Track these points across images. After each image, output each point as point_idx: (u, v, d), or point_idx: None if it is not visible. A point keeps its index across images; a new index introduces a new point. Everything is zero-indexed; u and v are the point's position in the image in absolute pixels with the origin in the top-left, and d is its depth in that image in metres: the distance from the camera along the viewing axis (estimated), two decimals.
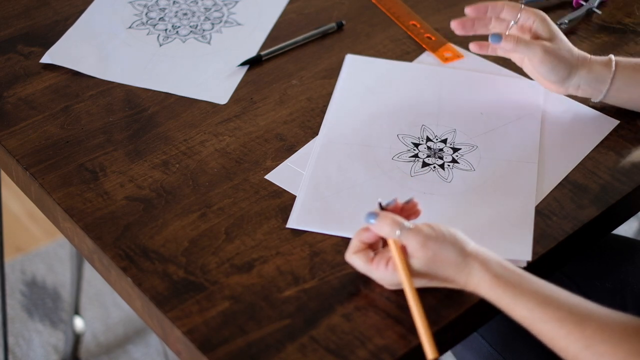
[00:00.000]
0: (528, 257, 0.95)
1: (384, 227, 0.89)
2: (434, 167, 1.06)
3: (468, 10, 1.12)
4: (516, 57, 1.13)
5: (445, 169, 1.05)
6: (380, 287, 0.92)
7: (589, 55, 1.09)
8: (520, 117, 1.12)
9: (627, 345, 0.80)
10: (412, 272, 0.88)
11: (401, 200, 0.93)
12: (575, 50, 1.09)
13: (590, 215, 1.01)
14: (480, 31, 1.12)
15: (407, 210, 0.93)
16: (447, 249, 0.87)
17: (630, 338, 0.80)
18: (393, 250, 0.88)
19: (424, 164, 1.06)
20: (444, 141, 1.09)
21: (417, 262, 0.88)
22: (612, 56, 1.08)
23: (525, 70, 1.13)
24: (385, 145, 1.08)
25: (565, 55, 1.08)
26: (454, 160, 1.07)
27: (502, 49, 1.09)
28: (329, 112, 1.12)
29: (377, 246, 0.93)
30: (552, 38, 1.08)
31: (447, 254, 0.87)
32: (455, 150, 1.08)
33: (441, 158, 1.07)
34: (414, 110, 1.13)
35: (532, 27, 1.09)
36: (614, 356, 0.80)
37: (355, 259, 0.91)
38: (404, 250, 0.89)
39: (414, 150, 1.08)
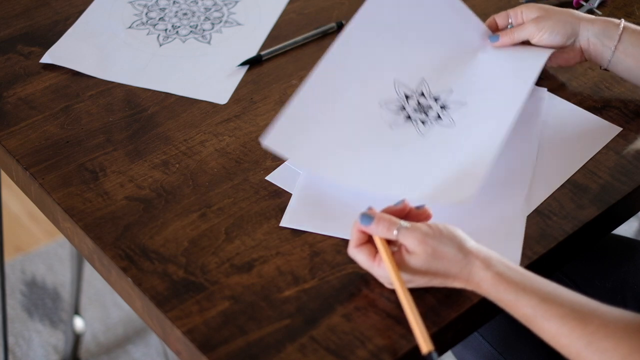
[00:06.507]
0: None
1: (381, 228, 0.89)
2: (415, 121, 1.08)
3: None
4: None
5: (427, 124, 1.08)
6: (381, 287, 0.92)
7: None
8: (520, 122, 1.10)
9: (630, 341, 0.80)
10: (412, 270, 0.88)
11: (412, 204, 0.93)
12: (578, 11, 1.13)
13: (590, 215, 1.01)
14: None
15: (418, 216, 0.92)
16: (446, 245, 0.87)
17: (633, 334, 0.80)
18: (379, 246, 0.89)
19: (407, 117, 1.08)
20: (436, 99, 1.10)
21: (417, 259, 0.88)
22: (622, 20, 1.11)
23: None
24: (378, 86, 1.10)
25: (560, 14, 1.11)
26: (438, 117, 1.08)
27: (506, 43, 1.14)
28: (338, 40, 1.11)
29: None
30: (544, 13, 1.12)
31: (447, 249, 0.87)
32: (443, 107, 1.09)
33: (426, 114, 1.09)
34: (420, 57, 1.13)
35: (523, 18, 1.14)
36: (616, 352, 0.80)
37: (357, 253, 0.90)
38: (397, 249, 0.89)
39: (404, 101, 1.09)
